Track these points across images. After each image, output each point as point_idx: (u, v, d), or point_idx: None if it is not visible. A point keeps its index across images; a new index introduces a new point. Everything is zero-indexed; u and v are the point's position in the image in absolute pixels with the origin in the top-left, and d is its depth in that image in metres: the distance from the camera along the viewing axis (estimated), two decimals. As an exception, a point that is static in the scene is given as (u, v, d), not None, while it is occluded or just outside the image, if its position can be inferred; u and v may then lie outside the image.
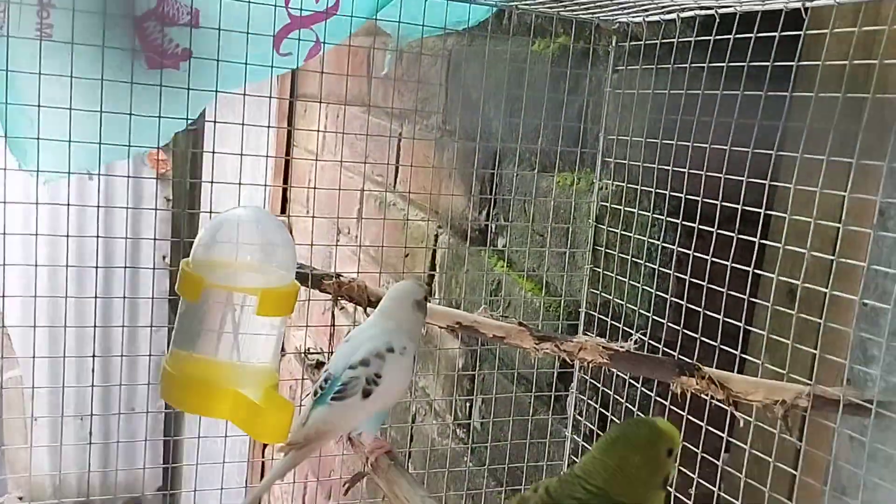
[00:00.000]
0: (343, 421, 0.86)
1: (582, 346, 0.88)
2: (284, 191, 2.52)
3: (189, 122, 1.00)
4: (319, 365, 1.07)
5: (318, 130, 2.04)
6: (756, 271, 0.84)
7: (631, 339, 0.87)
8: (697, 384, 0.81)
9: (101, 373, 1.19)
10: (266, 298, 0.89)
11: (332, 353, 0.96)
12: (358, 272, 1.12)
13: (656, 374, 0.88)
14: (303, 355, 1.09)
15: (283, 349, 1.42)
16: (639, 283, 1.03)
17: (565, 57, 1.17)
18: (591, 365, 0.87)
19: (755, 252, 0.84)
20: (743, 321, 0.86)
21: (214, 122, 1.02)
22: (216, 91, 0.95)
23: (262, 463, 2.64)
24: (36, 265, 0.97)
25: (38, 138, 0.90)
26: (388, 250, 1.62)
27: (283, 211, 2.58)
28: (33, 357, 1.11)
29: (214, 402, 0.90)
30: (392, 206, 1.78)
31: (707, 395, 0.82)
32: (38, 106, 0.90)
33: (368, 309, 1.01)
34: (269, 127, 1.03)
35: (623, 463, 0.61)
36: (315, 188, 1.28)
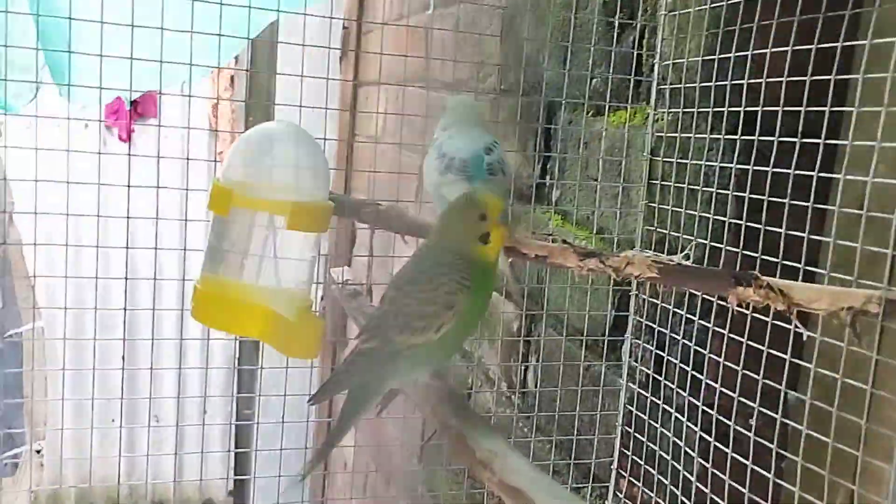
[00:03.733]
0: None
1: (629, 260, 0.81)
2: (346, 178, 2.52)
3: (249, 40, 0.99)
4: (356, 294, 1.03)
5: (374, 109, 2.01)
6: (821, 174, 0.77)
7: (682, 253, 0.80)
8: (755, 293, 0.74)
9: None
10: (297, 212, 0.86)
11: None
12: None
13: (710, 286, 0.81)
14: (340, 285, 1.06)
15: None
16: (696, 210, 0.96)
17: (619, -13, 1.11)
18: (638, 280, 0.81)
19: (820, 156, 0.77)
20: (807, 231, 0.79)
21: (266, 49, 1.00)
22: (278, 11, 0.94)
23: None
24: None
25: (69, 51, 0.89)
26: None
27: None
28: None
29: (245, 319, 0.87)
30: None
31: (767, 303, 0.74)
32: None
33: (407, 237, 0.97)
34: (329, 86, 1.01)
35: (449, 221, 0.84)
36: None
